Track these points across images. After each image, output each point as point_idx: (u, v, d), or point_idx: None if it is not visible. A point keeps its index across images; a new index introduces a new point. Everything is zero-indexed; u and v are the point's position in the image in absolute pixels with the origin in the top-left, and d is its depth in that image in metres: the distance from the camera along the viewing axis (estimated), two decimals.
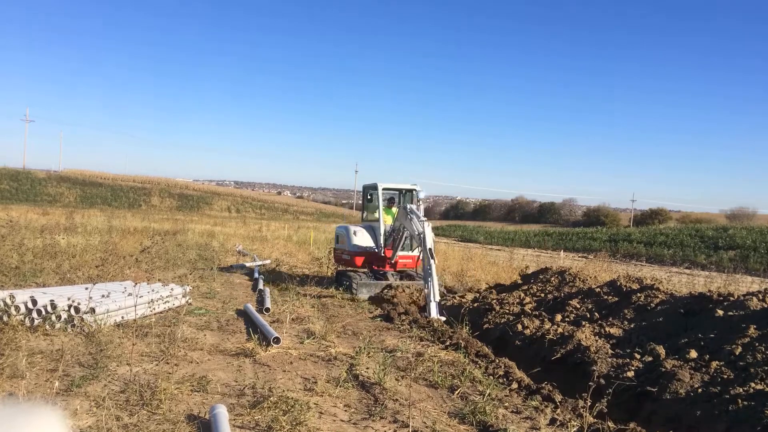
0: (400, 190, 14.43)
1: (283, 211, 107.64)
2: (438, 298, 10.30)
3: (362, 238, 13.89)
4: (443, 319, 9.74)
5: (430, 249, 10.71)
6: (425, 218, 11.53)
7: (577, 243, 53.14)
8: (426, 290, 10.53)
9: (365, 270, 13.76)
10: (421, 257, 11.45)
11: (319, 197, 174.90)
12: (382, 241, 13.68)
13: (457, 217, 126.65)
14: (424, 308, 10.57)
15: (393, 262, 13.59)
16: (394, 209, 13.88)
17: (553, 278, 11.49)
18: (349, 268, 13.97)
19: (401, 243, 13.24)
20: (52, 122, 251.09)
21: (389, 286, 12.30)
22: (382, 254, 13.64)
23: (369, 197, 14.52)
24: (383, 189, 13.96)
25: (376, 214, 14.04)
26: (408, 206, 12.06)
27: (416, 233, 11.33)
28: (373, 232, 13.96)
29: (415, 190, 13.49)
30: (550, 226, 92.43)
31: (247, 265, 17.85)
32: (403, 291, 11.84)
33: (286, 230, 39.08)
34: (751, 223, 65.69)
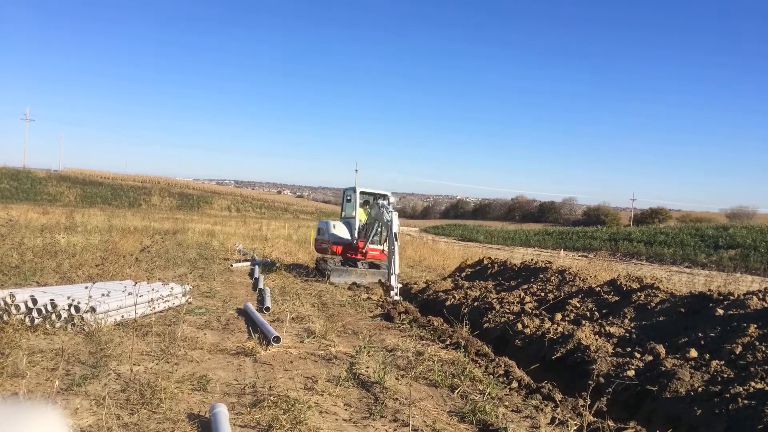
0: (374, 194, 16.55)
1: (283, 210, 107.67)
2: (398, 272, 12.58)
3: (340, 231, 16.36)
4: (398, 289, 12.25)
5: (395, 233, 12.82)
6: (393, 210, 13.46)
7: (578, 242, 53.25)
8: (389, 264, 12.68)
9: (340, 258, 15.78)
10: (387, 246, 13.71)
11: (319, 196, 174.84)
12: (356, 234, 16.05)
13: (457, 216, 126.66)
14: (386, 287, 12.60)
15: (364, 251, 15.95)
16: (368, 209, 16.06)
17: (553, 277, 11.50)
18: (327, 256, 15.98)
19: (372, 236, 15.63)
20: (52, 121, 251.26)
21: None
22: (355, 244, 15.95)
23: (348, 198, 17.02)
24: (360, 192, 16.43)
25: (353, 213, 16.45)
26: (380, 201, 14.10)
27: (385, 220, 13.40)
28: (349, 226, 16.44)
29: (386, 195, 15.44)
30: (550, 225, 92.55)
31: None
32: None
33: (286, 229, 39.09)
34: (751, 222, 65.65)
